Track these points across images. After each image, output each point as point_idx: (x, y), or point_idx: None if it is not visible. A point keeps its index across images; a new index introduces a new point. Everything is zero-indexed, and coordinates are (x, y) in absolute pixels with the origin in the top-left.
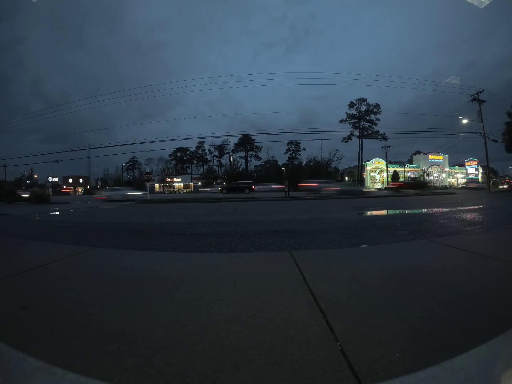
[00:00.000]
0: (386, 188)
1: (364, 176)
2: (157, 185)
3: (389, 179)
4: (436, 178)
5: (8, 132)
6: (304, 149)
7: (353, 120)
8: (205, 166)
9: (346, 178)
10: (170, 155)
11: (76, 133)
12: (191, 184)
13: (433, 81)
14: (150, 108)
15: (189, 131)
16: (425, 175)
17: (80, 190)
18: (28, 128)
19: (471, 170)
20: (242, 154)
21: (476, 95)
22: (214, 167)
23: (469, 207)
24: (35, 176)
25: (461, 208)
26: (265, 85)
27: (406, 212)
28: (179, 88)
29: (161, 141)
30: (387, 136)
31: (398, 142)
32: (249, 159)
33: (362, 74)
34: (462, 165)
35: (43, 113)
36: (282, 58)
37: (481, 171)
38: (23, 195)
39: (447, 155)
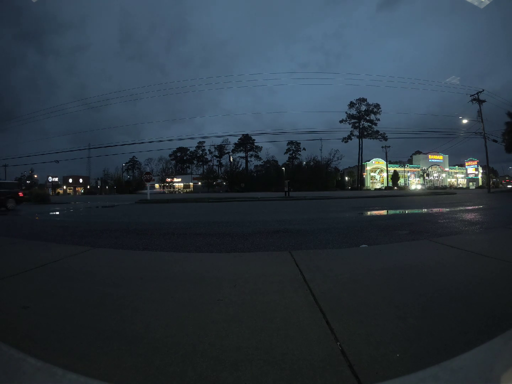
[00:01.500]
0: None
1: (364, 176)
2: (157, 185)
3: (389, 179)
4: (436, 178)
5: (38, 133)
6: (304, 149)
7: (353, 120)
8: (205, 166)
9: (346, 178)
10: (170, 155)
11: (104, 129)
12: (191, 184)
13: (433, 81)
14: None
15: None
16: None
17: (80, 189)
18: (58, 129)
19: (471, 170)
20: (242, 154)
21: (476, 95)
22: (214, 167)
23: (469, 207)
24: (35, 176)
25: (460, 208)
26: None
27: (406, 212)
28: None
29: (161, 141)
30: (387, 136)
31: (398, 142)
32: (249, 159)
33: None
34: (462, 165)
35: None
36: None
37: (481, 171)
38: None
39: (447, 155)
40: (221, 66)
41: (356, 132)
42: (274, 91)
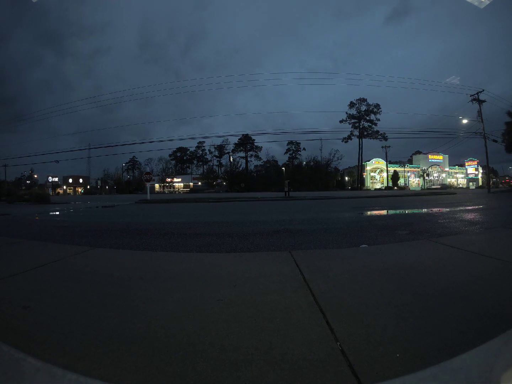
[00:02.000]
0: None
1: (364, 176)
2: (157, 185)
3: (389, 179)
4: (436, 178)
5: (43, 133)
6: (304, 149)
7: (353, 120)
8: (205, 166)
9: (346, 178)
10: (170, 155)
11: (108, 128)
12: (191, 184)
13: (432, 81)
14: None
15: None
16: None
17: (79, 190)
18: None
19: (471, 170)
20: (242, 154)
21: (476, 95)
22: (214, 167)
23: (469, 207)
24: (35, 176)
25: (460, 208)
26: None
27: (406, 212)
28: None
29: (161, 141)
30: (387, 136)
31: (398, 142)
32: (249, 159)
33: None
34: (462, 165)
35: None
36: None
37: (481, 171)
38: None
39: (447, 155)
40: (233, 70)
41: (356, 132)
42: (283, 94)
